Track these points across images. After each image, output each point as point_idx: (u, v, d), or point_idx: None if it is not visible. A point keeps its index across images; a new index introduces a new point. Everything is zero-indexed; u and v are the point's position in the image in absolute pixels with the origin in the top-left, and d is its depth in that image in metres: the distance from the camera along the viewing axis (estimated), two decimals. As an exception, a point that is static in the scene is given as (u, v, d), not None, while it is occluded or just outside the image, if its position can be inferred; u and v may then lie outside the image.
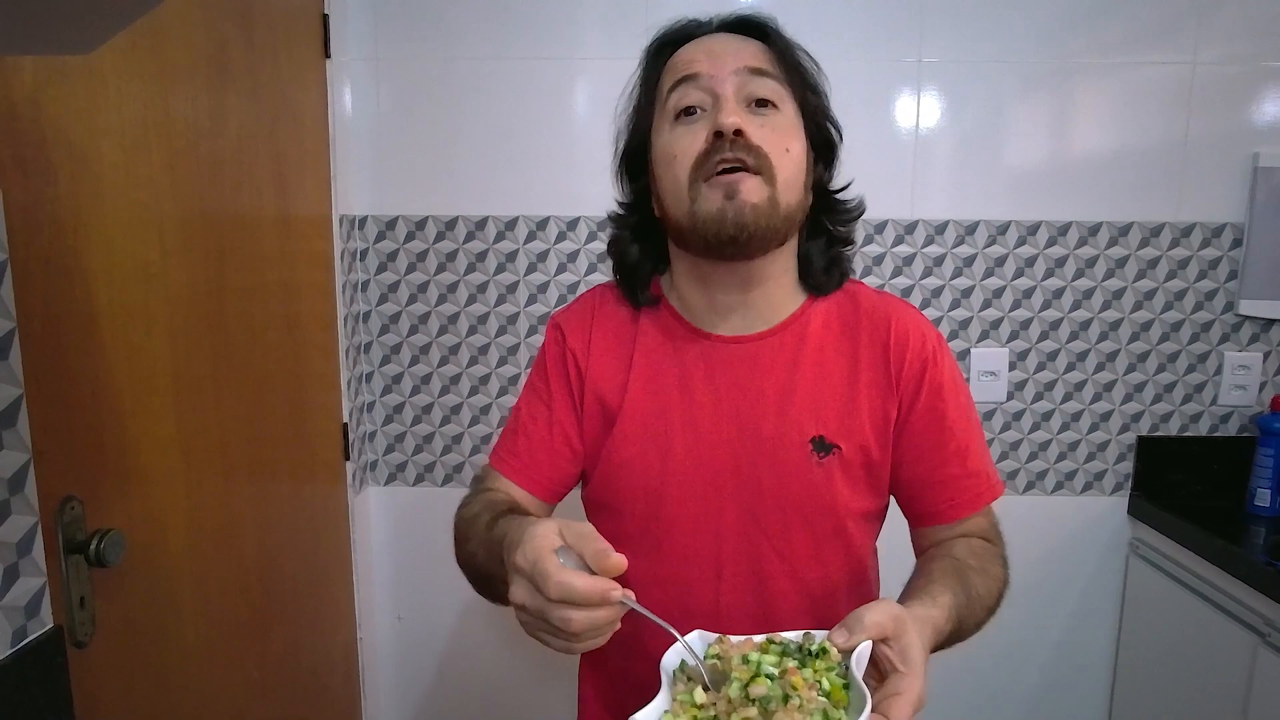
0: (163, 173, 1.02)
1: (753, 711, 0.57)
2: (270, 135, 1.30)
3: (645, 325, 0.91)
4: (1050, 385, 1.68)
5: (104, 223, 0.91)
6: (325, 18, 1.49)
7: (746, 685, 0.59)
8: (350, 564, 1.61)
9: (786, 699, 0.58)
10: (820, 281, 0.90)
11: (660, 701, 0.62)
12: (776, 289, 0.88)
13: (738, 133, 0.77)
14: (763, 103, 0.81)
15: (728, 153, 0.77)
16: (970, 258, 1.64)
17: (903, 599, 0.77)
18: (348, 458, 1.59)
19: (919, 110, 1.60)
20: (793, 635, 0.65)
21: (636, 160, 0.89)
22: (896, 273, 1.64)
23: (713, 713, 0.59)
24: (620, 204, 0.95)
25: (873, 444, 0.86)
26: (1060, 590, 1.73)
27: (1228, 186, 1.61)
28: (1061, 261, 1.64)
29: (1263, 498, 1.57)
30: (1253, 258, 1.60)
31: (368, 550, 1.68)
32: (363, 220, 1.63)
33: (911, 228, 1.63)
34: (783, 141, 0.80)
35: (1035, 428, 1.69)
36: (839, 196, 0.91)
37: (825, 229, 0.90)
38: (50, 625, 0.80)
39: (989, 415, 1.69)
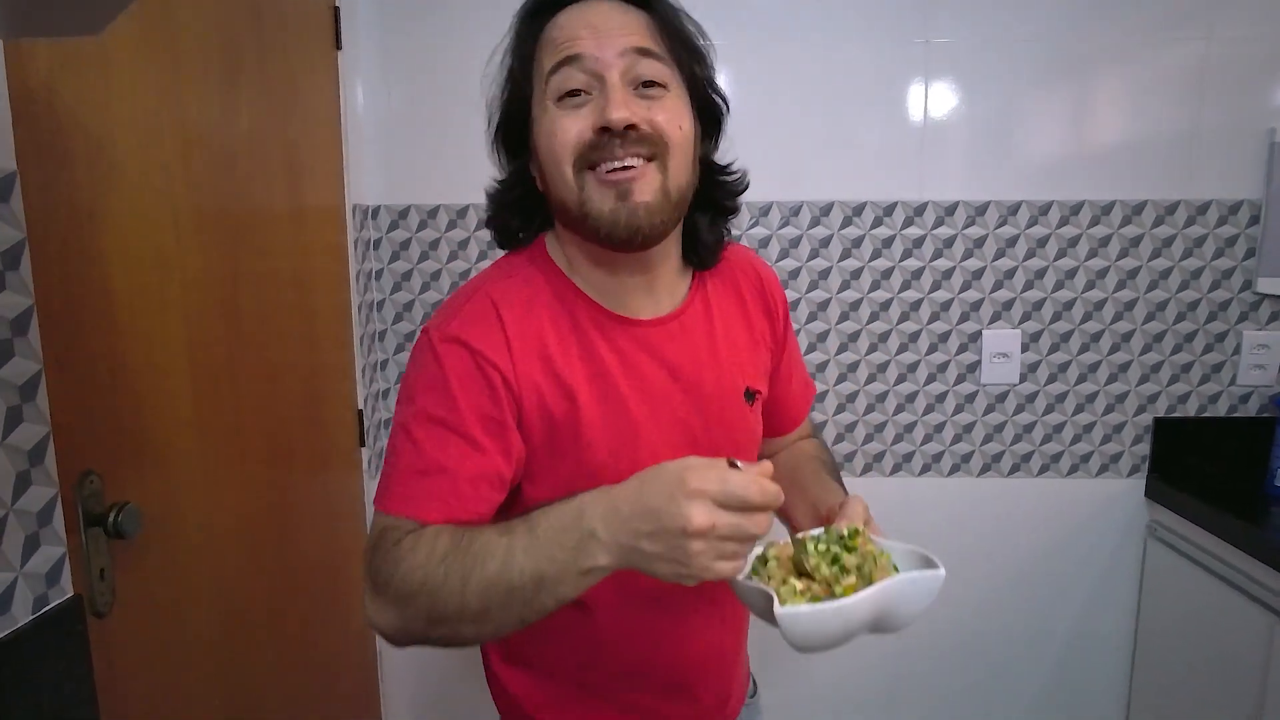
0: (177, 160, 1.05)
1: (853, 578, 0.69)
2: (282, 126, 1.32)
3: (560, 321, 0.83)
4: (1064, 367, 1.67)
5: (120, 207, 0.94)
6: (336, 10, 1.52)
7: (833, 564, 0.70)
8: (367, 548, 1.63)
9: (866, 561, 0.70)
10: (705, 258, 0.90)
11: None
12: (674, 264, 0.89)
13: (630, 126, 0.75)
14: (650, 83, 0.78)
15: (619, 150, 0.75)
16: (981, 239, 1.63)
17: (802, 493, 0.93)
18: (363, 444, 1.62)
19: (928, 91, 1.60)
20: (814, 532, 0.75)
21: (515, 135, 0.85)
22: (906, 255, 1.64)
23: (816, 591, 0.69)
24: (499, 181, 0.89)
25: (768, 382, 0.98)
26: (1077, 574, 1.72)
27: (1244, 163, 1.59)
28: (1074, 241, 1.63)
29: (1283, 478, 1.55)
30: (1270, 235, 1.58)
31: (384, 535, 1.71)
32: (375, 210, 1.66)
33: (921, 209, 1.62)
34: (674, 120, 0.78)
35: (1049, 410, 1.68)
36: (724, 176, 0.89)
37: (712, 204, 0.88)
38: (70, 594, 0.83)
39: (1002, 398, 1.68)
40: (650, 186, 0.77)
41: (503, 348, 0.78)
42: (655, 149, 0.77)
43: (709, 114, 0.86)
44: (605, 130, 0.75)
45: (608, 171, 0.76)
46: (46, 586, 0.81)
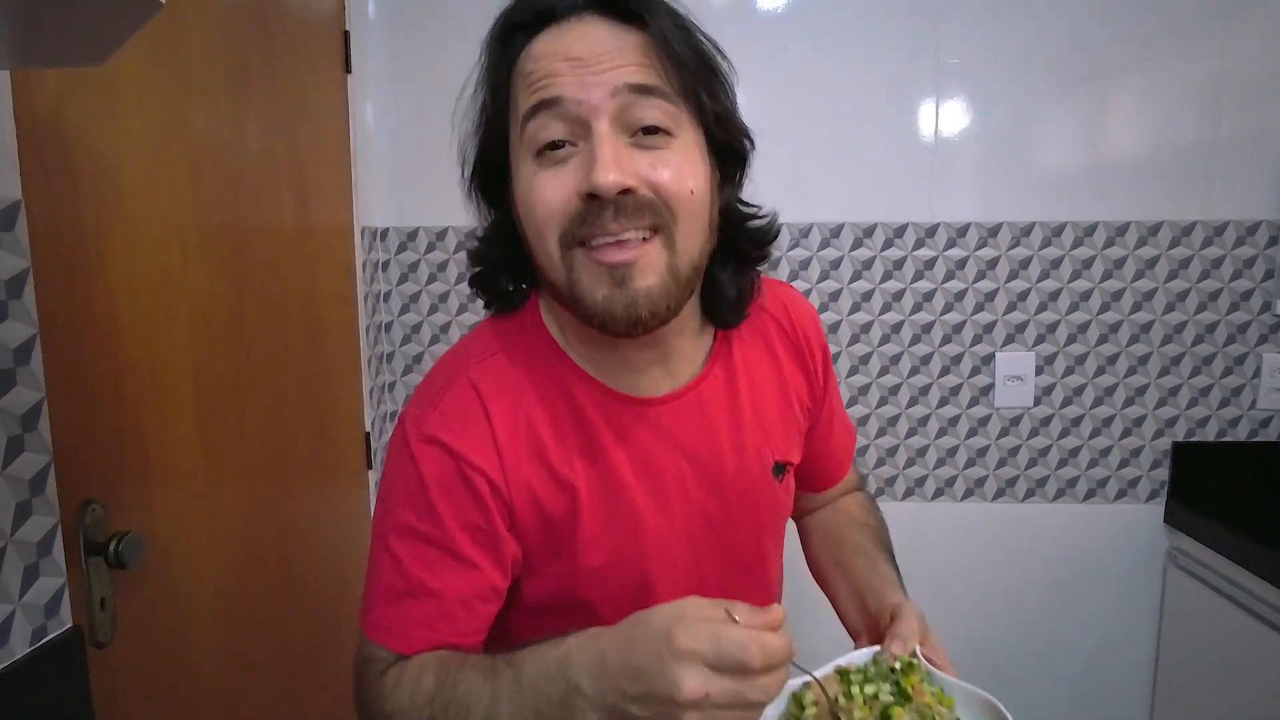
0: (184, 181, 1.04)
1: None
2: (291, 147, 1.33)
3: (557, 409, 0.72)
4: (1079, 390, 1.64)
5: (126, 229, 0.94)
6: (346, 34, 1.52)
7: (882, 715, 0.60)
8: (373, 572, 1.62)
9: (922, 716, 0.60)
10: (728, 317, 0.77)
11: None
12: (692, 328, 0.76)
13: (625, 190, 0.61)
14: (651, 129, 0.63)
15: (612, 224, 0.61)
16: (994, 260, 1.61)
17: (846, 574, 0.85)
18: (370, 467, 1.61)
19: (938, 110, 1.59)
20: (858, 656, 0.67)
21: (494, 179, 0.72)
22: (918, 276, 1.62)
23: None
24: (479, 237, 0.76)
25: (803, 444, 0.88)
26: (1095, 602, 1.68)
27: (1262, 183, 1.57)
28: (1089, 263, 1.60)
29: (1306, 504, 1.52)
30: (1290, 256, 1.56)
31: (391, 558, 1.69)
32: (384, 232, 1.66)
33: (933, 230, 1.61)
34: (683, 181, 0.63)
35: (1065, 433, 1.65)
36: (750, 222, 0.75)
37: (735, 254, 0.75)
38: (69, 625, 0.82)
39: (1016, 421, 1.65)
40: (653, 268, 0.63)
41: (489, 449, 0.68)
42: (659, 218, 0.63)
43: (730, 153, 0.71)
44: (594, 196, 0.61)
45: (600, 247, 0.62)
46: (45, 618, 0.80)
